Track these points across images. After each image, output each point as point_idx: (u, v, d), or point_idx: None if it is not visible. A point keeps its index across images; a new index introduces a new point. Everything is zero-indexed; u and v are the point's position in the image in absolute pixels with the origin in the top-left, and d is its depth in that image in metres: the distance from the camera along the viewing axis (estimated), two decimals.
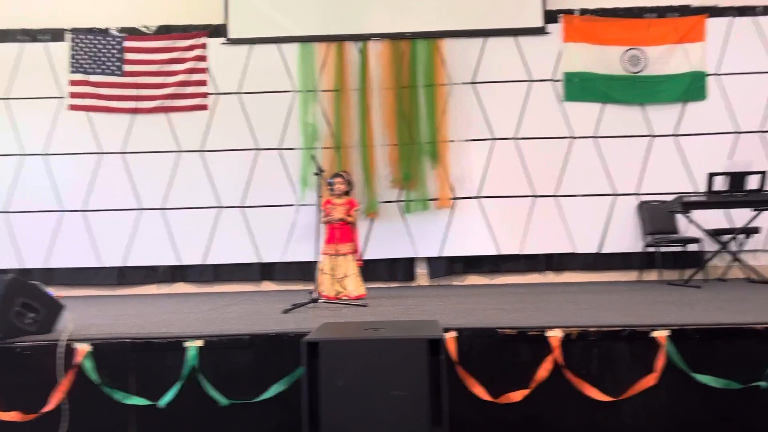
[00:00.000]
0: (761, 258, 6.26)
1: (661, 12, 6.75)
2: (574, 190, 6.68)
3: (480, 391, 2.77)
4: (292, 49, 6.84)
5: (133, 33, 6.95)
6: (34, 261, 6.74)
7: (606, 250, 6.62)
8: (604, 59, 6.70)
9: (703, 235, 5.84)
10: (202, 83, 6.91)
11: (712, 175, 5.35)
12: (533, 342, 2.86)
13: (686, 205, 5.42)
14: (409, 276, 6.76)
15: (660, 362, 2.78)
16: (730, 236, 5.84)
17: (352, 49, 6.81)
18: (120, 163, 6.85)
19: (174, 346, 2.87)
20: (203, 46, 6.91)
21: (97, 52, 6.89)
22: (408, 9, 6.76)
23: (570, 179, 6.69)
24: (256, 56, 6.87)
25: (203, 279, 6.79)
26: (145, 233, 6.77)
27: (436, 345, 2.35)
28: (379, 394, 2.31)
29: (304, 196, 6.69)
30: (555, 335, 2.83)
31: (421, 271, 6.80)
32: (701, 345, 2.85)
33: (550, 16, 6.75)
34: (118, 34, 6.93)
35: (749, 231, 5.90)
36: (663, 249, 6.23)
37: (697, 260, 6.10)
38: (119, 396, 2.80)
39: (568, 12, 6.75)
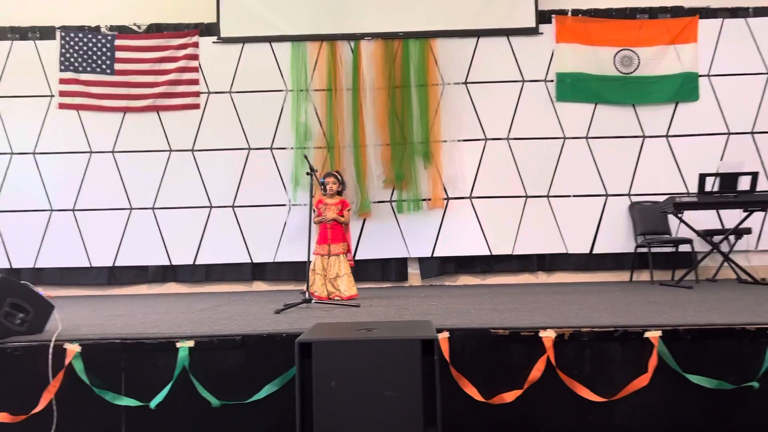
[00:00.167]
0: (752, 259, 6.30)
1: (654, 13, 6.79)
2: (566, 190, 6.70)
3: (473, 392, 2.76)
4: (284, 48, 6.82)
5: (123, 31, 6.91)
6: (22, 261, 6.69)
7: (598, 250, 6.65)
8: (597, 60, 6.72)
9: (694, 235, 5.86)
10: (194, 82, 6.88)
11: (703, 176, 5.37)
12: (526, 342, 2.85)
13: (678, 205, 5.44)
14: (402, 276, 6.76)
15: (652, 363, 2.78)
16: (721, 237, 5.87)
17: (344, 49, 6.80)
18: (110, 163, 6.80)
19: (165, 346, 2.85)
20: (195, 44, 6.88)
21: (88, 50, 6.83)
22: (400, 8, 6.75)
23: (562, 180, 6.71)
24: (248, 55, 6.85)
25: (194, 279, 6.76)
26: (136, 233, 6.73)
27: (429, 345, 2.34)
28: (372, 395, 2.29)
29: (296, 196, 6.67)
30: (548, 336, 2.82)
31: (413, 271, 6.79)
32: (693, 345, 2.85)
33: (543, 17, 6.78)
34: (108, 32, 6.89)
35: (740, 232, 5.93)
36: (654, 249, 6.25)
37: (689, 261, 6.13)
38: (110, 397, 2.77)
39: (561, 12, 6.77)
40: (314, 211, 5.05)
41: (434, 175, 6.68)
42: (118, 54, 6.87)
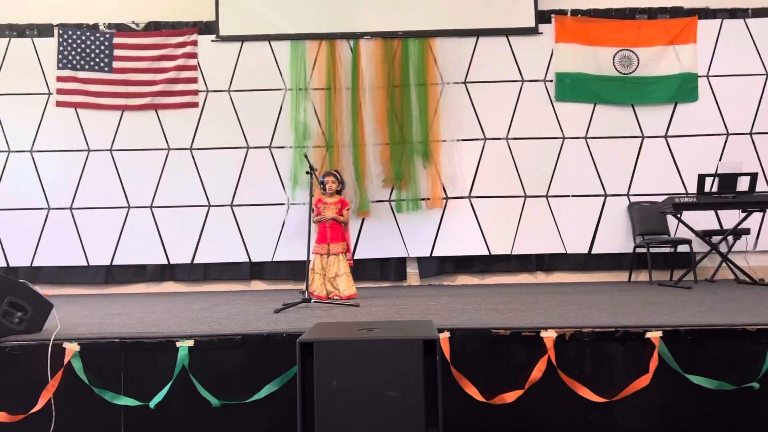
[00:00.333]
0: (750, 259, 6.30)
1: (653, 13, 6.79)
2: (564, 190, 6.70)
3: (473, 392, 2.75)
4: (283, 46, 6.80)
5: (122, 29, 6.88)
6: (19, 259, 6.66)
7: (596, 250, 6.65)
8: (596, 60, 6.72)
9: (693, 236, 5.87)
10: (192, 80, 6.86)
11: (702, 176, 5.38)
12: (527, 342, 2.85)
13: (677, 206, 5.44)
14: (401, 276, 6.75)
15: (653, 363, 2.78)
16: (720, 238, 5.87)
17: (343, 48, 6.79)
18: (108, 161, 6.78)
19: (165, 345, 2.84)
20: (193, 43, 6.86)
21: (86, 48, 6.81)
22: (400, 7, 6.74)
23: (561, 180, 6.71)
24: (247, 54, 6.83)
25: (192, 278, 6.74)
26: (134, 231, 6.71)
27: (431, 345, 2.33)
28: (374, 395, 2.28)
29: (295, 195, 6.66)
30: (549, 336, 2.82)
31: (412, 270, 6.78)
32: (694, 346, 2.85)
33: (543, 16, 6.77)
34: (107, 30, 6.86)
35: (739, 232, 5.94)
36: (653, 250, 6.25)
37: (687, 261, 6.13)
38: (109, 396, 2.76)
39: (561, 12, 6.77)
40: (313, 210, 5.04)
41: (433, 175, 6.67)
42: (117, 52, 6.85)
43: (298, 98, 6.73)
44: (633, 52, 6.72)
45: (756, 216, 5.89)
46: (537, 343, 2.82)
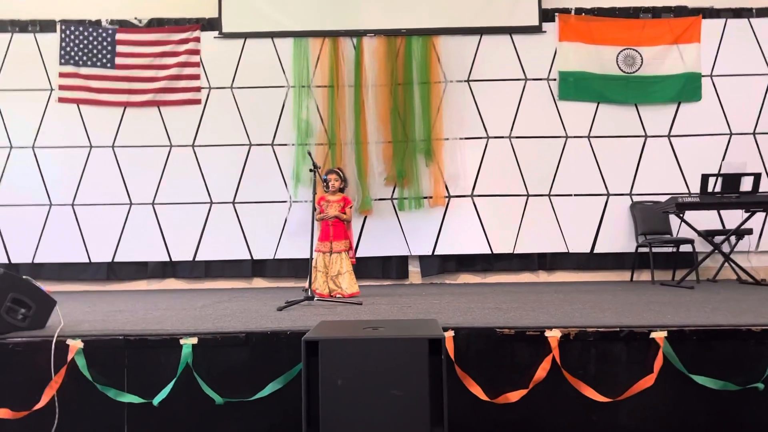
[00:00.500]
0: (753, 259, 6.30)
1: (657, 12, 6.78)
2: (567, 189, 6.69)
3: (477, 391, 2.75)
4: (286, 43, 6.80)
5: (124, 25, 6.87)
6: (21, 256, 6.66)
7: (598, 250, 6.64)
8: (600, 59, 6.71)
9: (695, 236, 5.86)
10: (195, 77, 6.85)
11: (705, 176, 5.37)
12: (531, 342, 2.84)
13: (680, 206, 5.43)
14: (402, 274, 6.74)
15: (658, 363, 2.77)
16: (722, 238, 5.87)
17: (346, 45, 6.78)
18: (110, 157, 6.77)
19: (168, 343, 2.83)
20: (196, 39, 6.85)
21: (88, 44, 6.80)
22: (403, 5, 6.73)
23: (563, 179, 6.70)
24: (250, 50, 6.82)
25: (194, 275, 6.74)
26: (136, 228, 6.71)
27: (436, 344, 2.33)
28: (379, 394, 2.28)
29: (297, 193, 6.65)
30: (553, 335, 2.81)
31: (414, 269, 6.78)
32: (699, 346, 2.85)
33: (546, 15, 6.76)
34: (109, 26, 6.85)
35: (742, 232, 5.93)
36: (656, 249, 6.25)
37: (690, 261, 6.12)
38: (112, 393, 2.75)
39: (564, 11, 6.76)
40: (316, 208, 5.03)
41: (436, 173, 6.67)
42: (119, 48, 6.84)
43: (301, 95, 6.72)
44: (637, 51, 6.71)
45: (759, 216, 5.90)
46: (541, 342, 2.81)
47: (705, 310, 3.59)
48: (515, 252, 6.66)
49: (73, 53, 6.80)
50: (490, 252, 6.65)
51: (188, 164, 6.76)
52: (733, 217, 6.15)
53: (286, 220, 6.65)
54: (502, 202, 6.67)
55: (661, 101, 6.69)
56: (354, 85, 6.71)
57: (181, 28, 6.86)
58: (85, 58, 6.81)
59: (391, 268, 6.73)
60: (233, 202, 6.73)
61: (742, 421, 2.80)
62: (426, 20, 6.72)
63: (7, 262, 6.60)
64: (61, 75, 6.80)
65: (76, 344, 2.78)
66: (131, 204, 6.73)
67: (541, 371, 2.76)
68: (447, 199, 6.69)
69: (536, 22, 6.73)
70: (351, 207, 5.24)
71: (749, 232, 6.05)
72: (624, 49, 6.72)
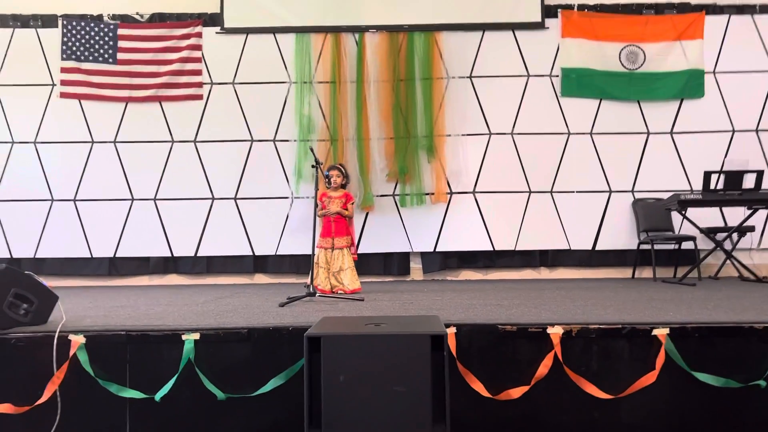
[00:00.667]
0: (755, 257, 6.29)
1: (660, 9, 6.76)
2: (569, 186, 6.68)
3: (479, 388, 2.75)
4: (288, 39, 6.78)
5: (126, 20, 6.86)
6: (23, 251, 6.67)
7: (600, 247, 6.63)
8: (602, 55, 6.69)
9: (697, 233, 5.86)
10: (197, 73, 6.84)
11: (708, 173, 5.36)
12: (533, 339, 2.84)
13: (683, 203, 5.43)
14: (404, 270, 6.74)
15: (660, 360, 2.77)
16: (725, 235, 5.86)
17: (348, 41, 6.76)
18: (112, 153, 6.77)
19: (170, 338, 2.83)
20: (198, 35, 6.84)
21: (90, 39, 6.79)
22: (405, 1, 6.71)
23: (565, 175, 6.70)
24: (252, 46, 6.81)
25: (195, 271, 6.74)
26: (137, 224, 6.71)
27: (438, 341, 2.33)
28: (381, 390, 2.28)
29: (299, 189, 6.65)
30: (555, 332, 2.81)
31: (415, 265, 6.78)
32: (701, 343, 2.84)
33: (549, 11, 6.74)
34: (111, 21, 6.84)
35: (744, 230, 5.92)
36: (657, 246, 6.24)
37: (692, 258, 6.11)
38: (114, 389, 2.76)
39: (567, 7, 6.74)
40: (318, 204, 5.02)
41: (438, 170, 6.66)
42: (121, 43, 6.83)
43: (303, 91, 6.71)
44: (639, 47, 6.69)
45: (761, 213, 5.89)
46: (543, 339, 2.81)
47: (707, 307, 3.59)
48: (517, 249, 6.65)
49: (74, 48, 6.79)
50: (491, 248, 6.64)
51: (190, 160, 6.75)
52: (735, 215, 6.14)
53: (287, 216, 6.65)
54: (504, 199, 6.67)
55: (664, 98, 6.68)
56: (356, 81, 6.70)
57: (183, 23, 6.85)
58: (86, 53, 6.80)
59: (393, 264, 6.74)
60: (235, 198, 6.73)
61: (744, 418, 2.80)
62: (428, 16, 6.70)
63: (9, 257, 6.61)
64: (63, 70, 6.80)
65: (78, 339, 2.78)
66: (133, 199, 6.74)
67: (543, 368, 2.76)
68: (449, 196, 6.68)
69: (539, 18, 6.72)
70: (353, 203, 5.24)
71: (751, 229, 6.05)
72: (627, 46, 6.70)
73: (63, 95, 6.79)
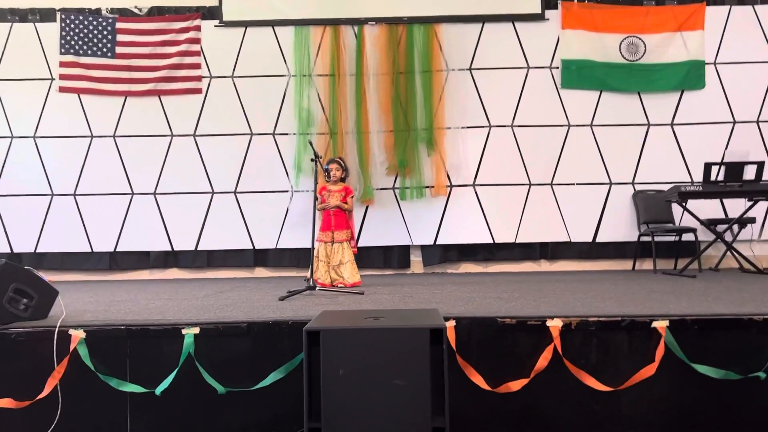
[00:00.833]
0: (756, 248, 6.28)
1: (660, 0, 6.71)
2: (569, 178, 6.67)
3: (479, 381, 2.75)
4: (287, 32, 6.76)
5: (124, 14, 6.84)
6: (23, 246, 6.67)
7: (600, 239, 6.63)
8: (603, 47, 6.66)
9: (698, 224, 5.85)
10: (196, 66, 6.82)
11: (708, 164, 5.35)
12: (533, 331, 2.84)
13: (683, 194, 5.42)
14: (404, 263, 6.74)
15: (659, 352, 2.77)
16: (725, 226, 5.85)
17: (347, 33, 6.74)
18: (111, 147, 6.76)
19: (170, 333, 2.84)
20: (196, 28, 6.82)
21: (88, 33, 6.77)
22: None
23: (566, 168, 6.68)
24: (251, 39, 6.79)
25: (196, 265, 6.75)
26: (137, 218, 6.71)
27: (437, 334, 2.33)
28: (380, 384, 2.28)
29: (298, 182, 6.64)
30: (555, 325, 2.81)
31: (416, 258, 6.78)
32: (701, 335, 2.85)
33: (549, 2, 6.71)
34: (109, 15, 6.81)
35: (745, 221, 5.92)
36: (658, 238, 6.24)
37: (692, 250, 6.11)
38: (115, 383, 2.76)
39: None
40: (317, 197, 5.02)
41: (437, 163, 6.64)
42: (119, 37, 6.81)
43: (302, 84, 6.69)
44: (640, 38, 6.66)
45: (762, 205, 5.87)
46: (543, 332, 2.81)
47: (707, 299, 3.59)
48: (517, 241, 6.65)
49: (73, 42, 6.77)
50: (491, 241, 6.64)
51: (189, 154, 6.74)
52: (735, 206, 6.12)
53: (287, 210, 6.65)
54: (504, 192, 6.66)
55: (665, 89, 6.65)
56: (355, 74, 6.67)
57: (182, 16, 6.82)
58: (85, 47, 6.78)
59: (393, 257, 6.74)
60: (235, 192, 6.72)
61: (743, 410, 2.80)
62: (428, 8, 6.67)
63: (9, 251, 6.61)
64: (62, 64, 6.78)
65: (78, 334, 2.79)
66: (133, 194, 6.73)
67: (543, 361, 2.76)
68: (449, 189, 6.67)
69: (539, 10, 6.68)
70: (352, 197, 5.24)
71: (752, 220, 6.03)
72: (627, 37, 6.67)
73: (62, 89, 6.78)
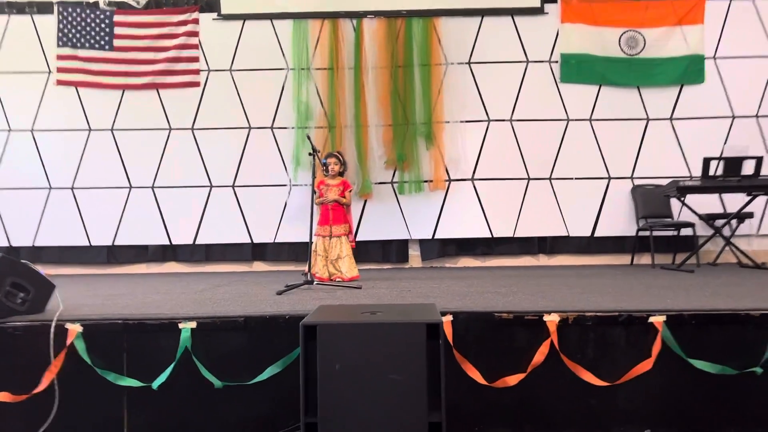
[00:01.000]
0: (754, 243, 6.29)
1: None
2: (568, 172, 6.66)
3: (476, 375, 2.76)
4: (286, 25, 6.73)
5: (122, 7, 6.80)
6: (21, 239, 6.66)
7: (599, 233, 6.62)
8: (602, 41, 6.63)
9: (696, 219, 5.85)
10: (194, 59, 6.79)
11: (707, 159, 5.34)
12: (530, 326, 2.85)
13: (681, 189, 5.41)
14: (402, 258, 6.74)
15: (656, 348, 2.78)
16: (723, 221, 5.85)
17: (346, 27, 6.71)
18: (109, 140, 6.74)
19: (167, 327, 2.84)
20: (195, 21, 6.78)
21: (86, 25, 6.73)
22: None
23: (564, 162, 6.67)
24: (249, 32, 6.76)
25: (194, 259, 6.74)
26: (135, 212, 6.70)
27: (434, 329, 2.33)
28: (377, 378, 2.29)
29: (297, 176, 6.63)
30: (552, 320, 2.81)
31: (414, 253, 6.77)
32: (697, 330, 2.85)
33: None
34: (107, 7, 6.78)
35: (743, 216, 5.92)
36: (656, 233, 6.23)
37: (690, 245, 6.11)
38: (112, 377, 2.77)
39: None
40: (315, 192, 5.01)
41: (436, 157, 6.63)
42: (117, 30, 6.78)
43: (301, 78, 6.67)
44: (639, 33, 6.63)
45: (760, 200, 5.89)
46: (540, 326, 2.81)
47: (705, 294, 3.59)
48: (515, 236, 6.64)
49: (70, 35, 6.74)
50: (490, 236, 6.64)
51: (188, 147, 6.73)
52: (734, 201, 6.12)
53: (286, 204, 6.64)
54: (503, 186, 6.65)
55: (664, 84, 6.63)
56: (354, 68, 6.65)
57: (180, 9, 6.79)
58: (83, 40, 6.75)
59: (391, 251, 6.73)
60: (233, 186, 6.71)
61: (740, 405, 2.81)
62: (427, 1, 6.64)
63: (7, 245, 6.60)
64: (59, 57, 6.75)
65: (75, 328, 2.79)
66: (131, 187, 6.72)
67: (540, 355, 2.77)
68: (447, 183, 6.66)
69: (538, 4, 6.66)
70: (350, 191, 5.23)
71: (750, 215, 6.04)
72: (627, 31, 6.64)
73: (59, 82, 6.75)
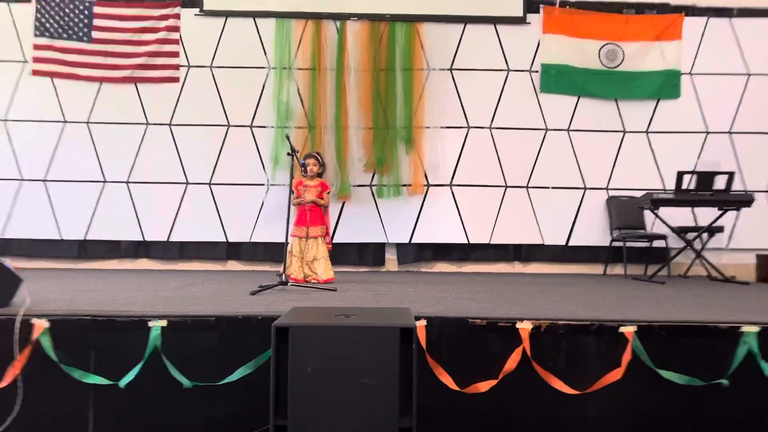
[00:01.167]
0: (723, 257, 6.41)
1: (640, 8, 6.79)
2: (545, 181, 6.71)
3: (448, 381, 2.76)
4: (269, 24, 6.69)
5: None
6: None
7: (573, 242, 6.69)
8: (582, 52, 6.72)
9: (668, 232, 5.94)
10: (174, 55, 6.71)
11: (681, 173, 5.43)
12: (503, 333, 2.86)
13: (655, 201, 5.50)
14: (378, 261, 6.73)
15: (626, 357, 2.81)
16: (695, 234, 5.95)
17: (329, 28, 6.69)
18: (85, 133, 6.63)
19: (137, 325, 2.79)
20: (176, 16, 6.71)
21: (64, 16, 6.62)
22: None
23: (542, 171, 6.72)
24: (231, 30, 6.71)
25: (167, 256, 6.65)
26: (109, 207, 6.59)
27: (407, 333, 2.32)
28: (348, 382, 2.27)
29: (275, 176, 6.59)
30: (525, 327, 2.83)
31: (390, 256, 6.77)
32: (667, 341, 2.89)
33: (531, 6, 6.73)
34: None
35: (714, 230, 6.02)
36: (629, 244, 6.32)
37: (662, 256, 6.20)
38: (78, 374, 2.71)
39: (549, 3, 6.74)
40: (293, 192, 4.98)
41: (415, 161, 6.64)
42: (96, 21, 6.67)
43: (282, 77, 6.63)
44: (619, 46, 6.73)
45: (730, 214, 5.99)
46: (512, 334, 2.83)
47: (675, 305, 3.65)
48: (491, 242, 6.68)
49: (48, 25, 6.62)
50: (466, 241, 6.66)
51: (165, 143, 6.64)
52: (706, 215, 6.22)
53: (262, 203, 6.59)
54: (481, 193, 6.68)
55: (641, 97, 6.73)
56: (336, 69, 6.63)
57: (162, 3, 6.71)
58: (60, 30, 6.63)
59: (368, 254, 6.72)
60: (209, 183, 6.64)
61: (707, 415, 2.85)
62: (410, 6, 6.65)
63: None
64: (36, 47, 6.62)
65: (41, 324, 2.73)
66: (105, 182, 6.61)
67: (512, 362, 2.78)
68: (426, 188, 6.67)
69: (521, 13, 6.71)
70: (329, 192, 5.21)
71: (720, 229, 6.15)
72: (606, 44, 6.74)
73: (35, 72, 6.62)
